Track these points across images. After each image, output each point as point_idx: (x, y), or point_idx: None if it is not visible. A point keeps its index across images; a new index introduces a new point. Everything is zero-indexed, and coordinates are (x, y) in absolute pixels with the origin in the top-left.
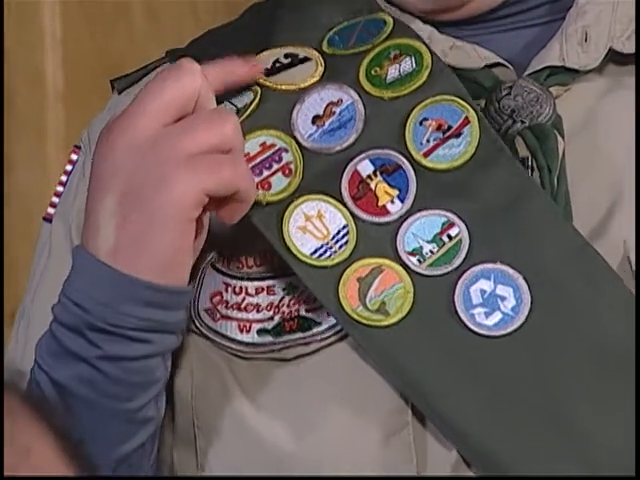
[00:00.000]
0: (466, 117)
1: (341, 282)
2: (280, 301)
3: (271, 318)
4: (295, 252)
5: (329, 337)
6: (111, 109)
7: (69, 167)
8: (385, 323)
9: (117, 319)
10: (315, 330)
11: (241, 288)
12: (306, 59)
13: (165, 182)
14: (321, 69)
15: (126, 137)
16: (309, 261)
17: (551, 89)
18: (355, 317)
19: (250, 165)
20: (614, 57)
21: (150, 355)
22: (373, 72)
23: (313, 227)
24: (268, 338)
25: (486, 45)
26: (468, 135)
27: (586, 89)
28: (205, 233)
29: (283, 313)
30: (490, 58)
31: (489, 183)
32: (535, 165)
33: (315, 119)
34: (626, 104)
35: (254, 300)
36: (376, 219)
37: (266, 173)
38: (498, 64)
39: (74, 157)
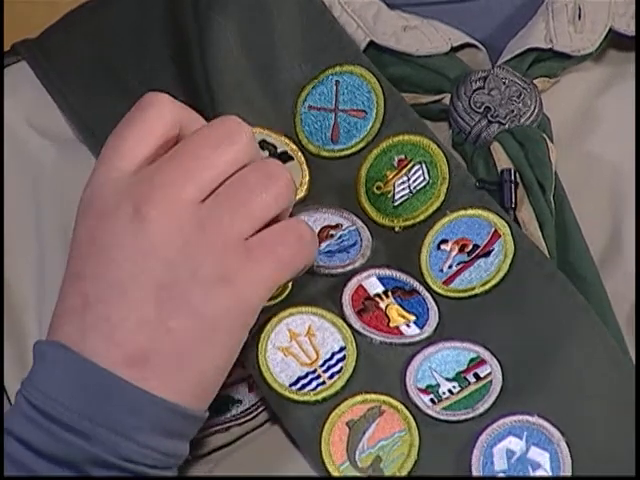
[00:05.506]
0: (495, 230)
1: (326, 425)
2: None
3: None
4: (270, 381)
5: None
6: None
7: None
8: None
9: (136, 453)
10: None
11: None
12: (286, 156)
13: (222, 282)
14: (307, 180)
15: (163, 213)
16: (286, 393)
17: (536, 81)
18: None
19: None
20: (615, 40)
21: None
22: (376, 189)
23: (299, 349)
24: None
25: (448, 21)
26: (500, 252)
27: (579, 80)
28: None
29: None
30: (457, 38)
31: (529, 307)
32: (520, 180)
33: None
34: (630, 99)
35: None
36: (386, 338)
37: None
38: (466, 45)
39: None
